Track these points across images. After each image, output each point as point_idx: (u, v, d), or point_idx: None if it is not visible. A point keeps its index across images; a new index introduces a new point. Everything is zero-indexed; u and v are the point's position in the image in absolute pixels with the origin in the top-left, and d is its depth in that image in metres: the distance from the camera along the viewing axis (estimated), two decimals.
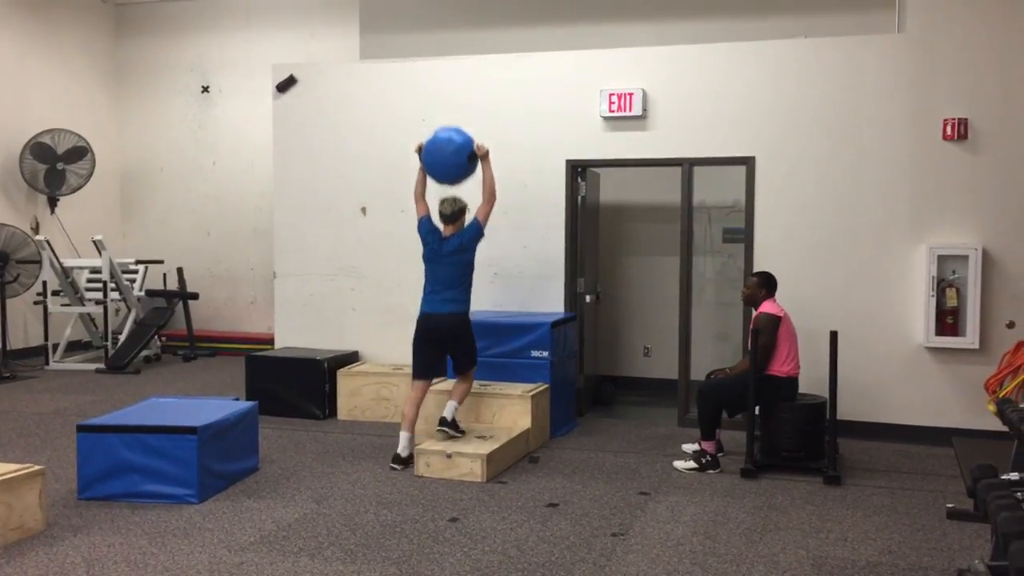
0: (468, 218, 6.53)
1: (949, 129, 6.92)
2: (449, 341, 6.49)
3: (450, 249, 6.44)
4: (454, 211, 6.44)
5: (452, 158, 6.43)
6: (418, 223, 6.60)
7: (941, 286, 6.93)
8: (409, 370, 7.71)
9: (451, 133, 6.51)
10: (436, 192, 6.66)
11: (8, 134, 10.71)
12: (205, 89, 11.90)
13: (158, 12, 12.07)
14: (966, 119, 6.90)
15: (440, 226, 6.53)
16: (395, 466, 6.24)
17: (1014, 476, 3.77)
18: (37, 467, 5.00)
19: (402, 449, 6.29)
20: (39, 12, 11.15)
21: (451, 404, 6.47)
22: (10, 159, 10.72)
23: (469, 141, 6.49)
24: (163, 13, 12.04)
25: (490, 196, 6.51)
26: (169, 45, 12.01)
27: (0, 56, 10.67)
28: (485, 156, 6.53)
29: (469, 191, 6.66)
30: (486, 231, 6.57)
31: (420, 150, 6.59)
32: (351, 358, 8.21)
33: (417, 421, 6.50)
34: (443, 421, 6.40)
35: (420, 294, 7.89)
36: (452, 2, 9.86)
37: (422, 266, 8.07)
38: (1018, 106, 6.85)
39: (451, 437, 6.33)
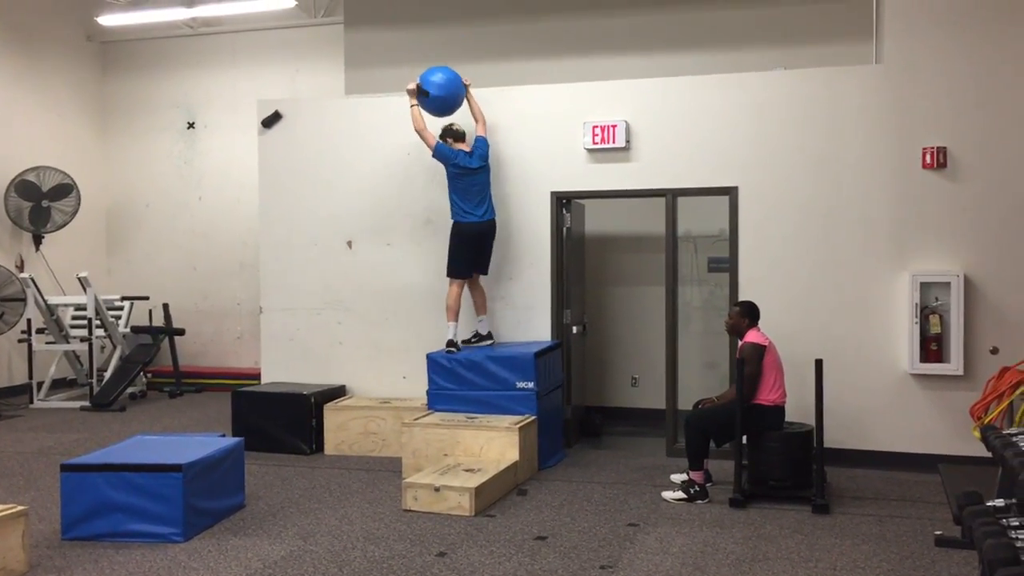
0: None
1: (928, 157, 7.00)
2: (488, 241, 7.65)
3: (479, 162, 7.52)
4: (462, 130, 7.63)
5: (460, 89, 7.64)
6: (437, 150, 7.50)
7: (924, 313, 6.97)
8: (396, 402, 7.80)
9: (442, 73, 7.57)
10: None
11: None
12: (191, 125, 11.94)
13: (144, 49, 12.13)
14: (945, 147, 6.98)
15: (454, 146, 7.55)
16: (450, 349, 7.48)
17: (999, 503, 3.79)
18: (20, 507, 4.96)
19: (453, 335, 7.51)
20: (25, 50, 11.19)
21: (478, 320, 7.72)
22: None
23: (458, 75, 7.66)
24: (149, 50, 12.10)
25: (483, 117, 7.74)
26: (155, 82, 12.06)
27: None
28: (469, 85, 7.75)
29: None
30: None
31: (420, 92, 7.50)
32: (338, 392, 8.17)
33: (406, 454, 6.88)
34: (472, 339, 7.66)
35: (406, 328, 7.96)
36: (436, 38, 9.95)
37: (409, 300, 8.15)
38: (996, 134, 6.94)
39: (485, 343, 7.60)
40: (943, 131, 7.00)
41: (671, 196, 7.59)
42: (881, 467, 7.01)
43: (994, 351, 6.88)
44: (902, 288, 7.03)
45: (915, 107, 7.06)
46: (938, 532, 5.39)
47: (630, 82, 7.84)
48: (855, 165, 7.17)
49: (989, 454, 5.76)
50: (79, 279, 10.19)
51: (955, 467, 6.31)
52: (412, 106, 7.51)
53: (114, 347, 10.61)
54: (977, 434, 6.22)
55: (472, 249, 7.56)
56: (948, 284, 6.91)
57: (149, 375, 11.11)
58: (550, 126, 7.83)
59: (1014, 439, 4.28)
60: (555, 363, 7.62)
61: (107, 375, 10.33)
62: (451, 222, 7.54)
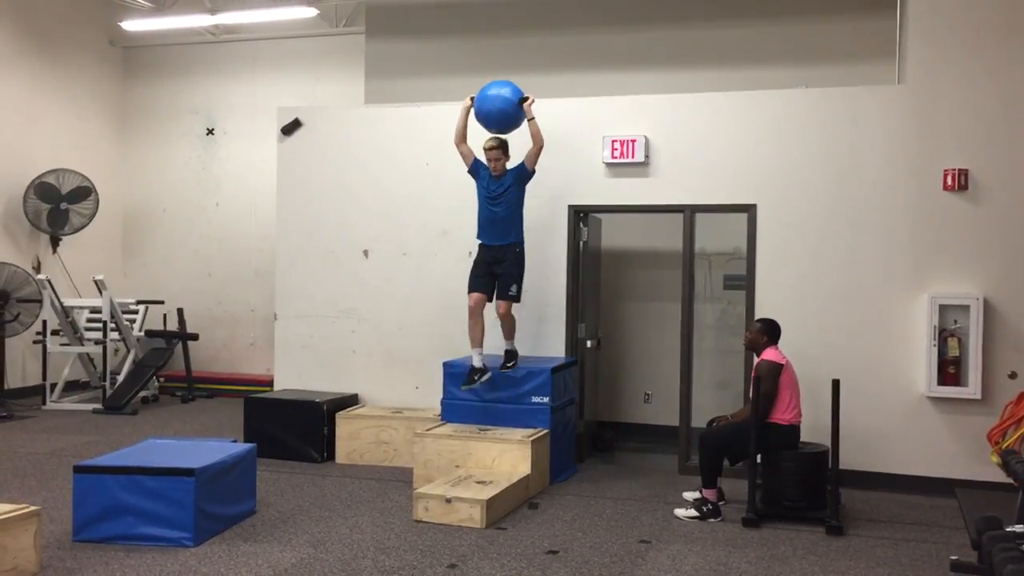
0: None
1: (950, 180, 6.96)
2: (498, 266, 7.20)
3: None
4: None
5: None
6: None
7: (943, 335, 6.92)
8: (408, 412, 7.80)
9: (499, 86, 7.18)
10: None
11: (14, 174, 10.75)
12: (210, 131, 12.00)
13: (165, 55, 12.20)
14: (966, 170, 6.94)
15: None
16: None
17: (1019, 528, 3.75)
18: (32, 508, 4.96)
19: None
20: (48, 54, 11.27)
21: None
22: (14, 198, 10.77)
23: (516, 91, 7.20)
24: (170, 56, 12.18)
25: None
26: (176, 87, 12.14)
27: (9, 97, 10.77)
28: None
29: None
30: None
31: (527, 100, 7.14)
32: (350, 401, 8.17)
33: (418, 464, 6.85)
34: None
35: (420, 339, 7.96)
36: (456, 49, 9.98)
37: (424, 311, 8.16)
38: (1018, 157, 6.90)
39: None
40: (965, 153, 6.96)
41: (689, 212, 7.57)
42: (896, 490, 6.95)
43: (1012, 376, 6.82)
44: (920, 310, 6.99)
45: (937, 128, 7.03)
46: (954, 557, 5.31)
47: (650, 97, 7.84)
48: (875, 185, 7.14)
49: (1003, 480, 5.72)
50: (95, 282, 10.23)
51: (973, 491, 6.24)
52: (532, 120, 7.09)
53: (128, 350, 10.63)
54: (995, 459, 6.16)
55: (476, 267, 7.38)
56: (967, 307, 6.86)
57: (162, 379, 11.12)
58: (569, 139, 7.82)
59: None
60: (570, 379, 7.60)
61: (120, 378, 10.34)
62: (516, 242, 7.18)
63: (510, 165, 7.16)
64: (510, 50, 9.75)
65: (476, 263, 7.25)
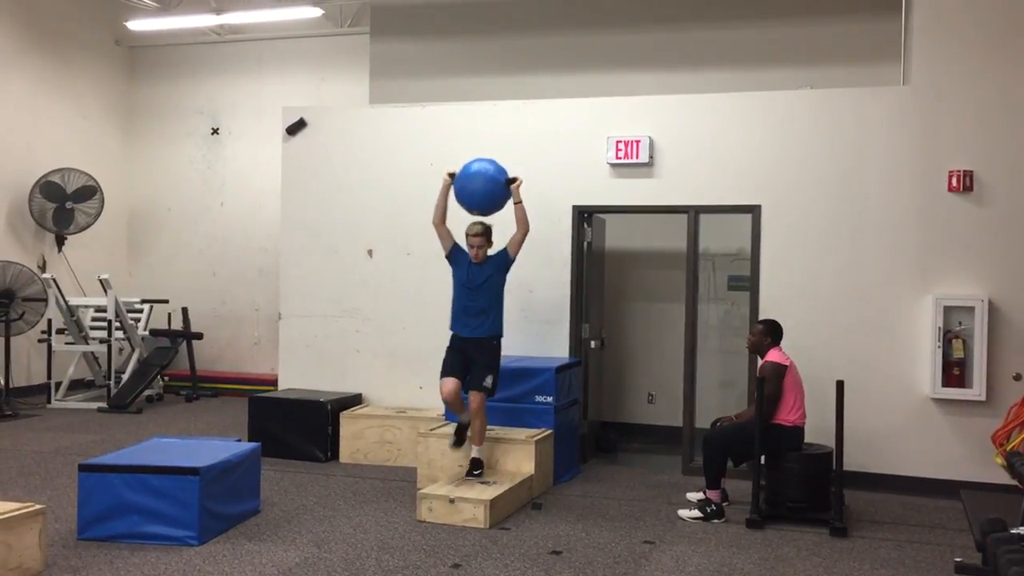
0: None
1: (955, 181, 6.95)
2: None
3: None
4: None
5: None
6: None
7: (947, 337, 6.91)
8: (412, 412, 7.80)
9: (483, 163, 6.68)
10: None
11: (20, 173, 10.78)
12: (215, 131, 12.02)
13: (171, 55, 12.23)
14: (971, 171, 6.93)
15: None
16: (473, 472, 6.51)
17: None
18: (37, 506, 4.97)
19: (477, 452, 6.58)
20: (54, 53, 11.30)
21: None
22: (20, 197, 10.79)
23: (502, 169, 6.68)
24: (176, 56, 12.20)
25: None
26: (181, 87, 12.16)
27: (14, 96, 10.80)
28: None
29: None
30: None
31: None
32: (354, 400, 8.18)
33: (422, 464, 6.88)
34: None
35: (424, 338, 7.94)
36: (461, 49, 9.99)
37: (427, 310, 8.16)
38: (1023, 158, 6.89)
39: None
40: (970, 154, 6.96)
41: (693, 213, 7.57)
42: (900, 491, 6.94)
43: (1017, 378, 6.81)
44: (925, 311, 6.98)
45: (942, 129, 7.03)
46: (958, 559, 5.31)
47: (654, 98, 7.84)
48: (880, 187, 7.14)
49: (1008, 482, 5.71)
50: (100, 281, 10.26)
51: (978, 493, 6.23)
52: (519, 203, 6.58)
53: (132, 349, 10.66)
54: (999, 461, 6.16)
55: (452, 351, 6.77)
56: (972, 308, 6.85)
57: (166, 378, 11.16)
58: (573, 140, 7.83)
59: None
60: (574, 379, 7.60)
61: (125, 377, 10.37)
62: (493, 335, 6.62)
63: (492, 251, 6.66)
64: (514, 50, 9.76)
65: (449, 349, 6.65)
